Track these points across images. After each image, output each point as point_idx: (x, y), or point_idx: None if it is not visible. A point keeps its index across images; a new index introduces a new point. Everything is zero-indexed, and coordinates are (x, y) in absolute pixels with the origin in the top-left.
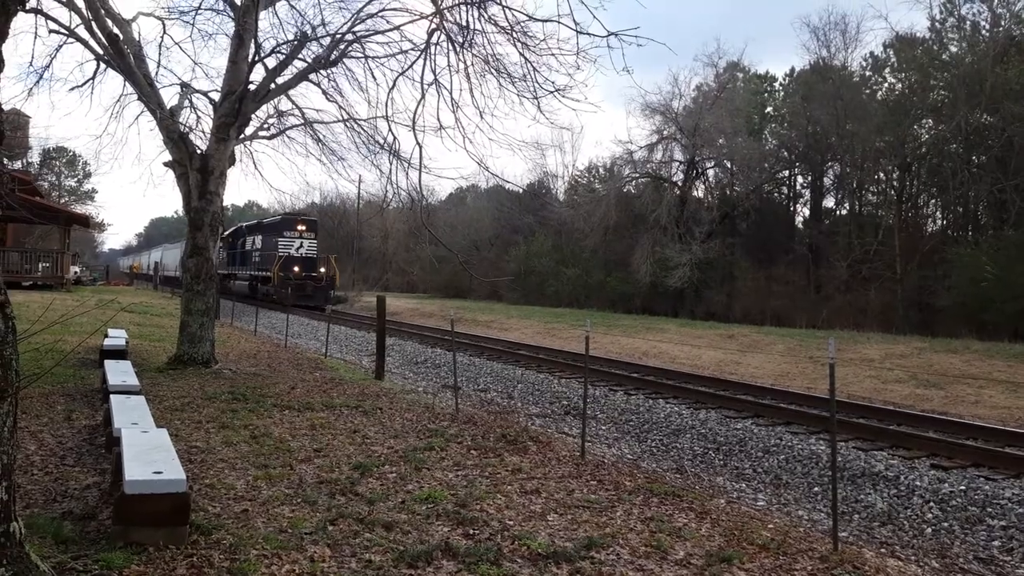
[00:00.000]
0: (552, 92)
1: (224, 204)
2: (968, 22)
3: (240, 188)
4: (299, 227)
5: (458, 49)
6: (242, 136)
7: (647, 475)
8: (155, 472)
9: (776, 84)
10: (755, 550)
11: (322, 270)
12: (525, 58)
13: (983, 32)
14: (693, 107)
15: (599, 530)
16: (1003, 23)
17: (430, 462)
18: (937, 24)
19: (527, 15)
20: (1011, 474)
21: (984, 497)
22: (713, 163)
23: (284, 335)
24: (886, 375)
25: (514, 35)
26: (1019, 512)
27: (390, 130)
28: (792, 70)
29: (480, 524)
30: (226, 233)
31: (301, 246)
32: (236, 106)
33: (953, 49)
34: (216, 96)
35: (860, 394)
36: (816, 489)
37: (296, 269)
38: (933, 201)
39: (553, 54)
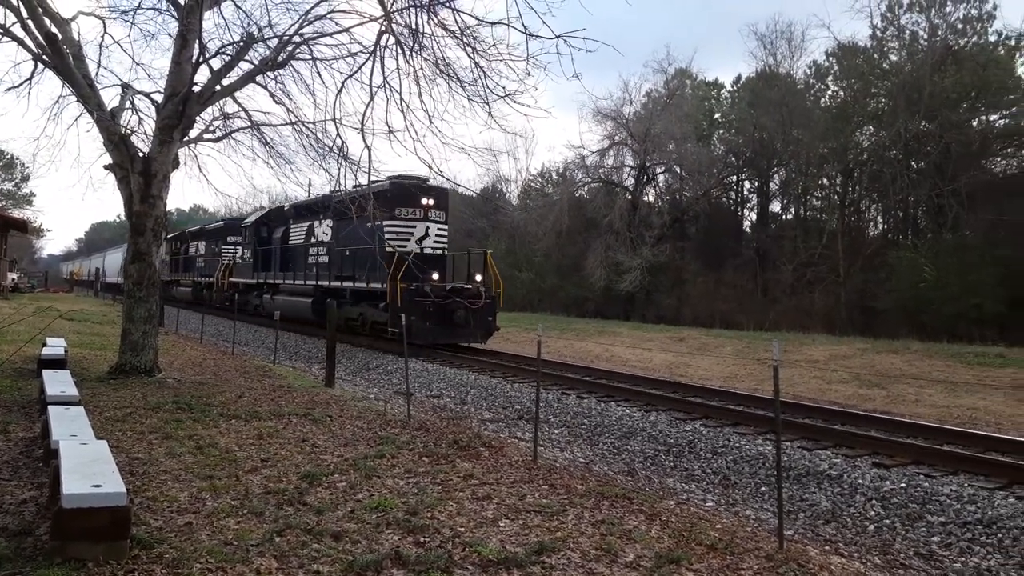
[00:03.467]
0: (502, 97)
1: (168, 208)
2: (907, 32)
3: (184, 191)
4: (424, 201)
5: (407, 53)
6: (186, 138)
7: (599, 478)
8: (94, 485)
9: (724, 91)
10: (703, 550)
11: (478, 279)
12: (475, 62)
13: (921, 42)
14: (643, 113)
15: (550, 534)
16: (940, 33)
17: (381, 470)
18: (878, 33)
19: (477, 19)
20: (949, 471)
21: (924, 494)
22: (663, 168)
23: (231, 343)
24: (830, 376)
25: (464, 39)
26: (957, 508)
27: (338, 133)
28: (739, 77)
29: (431, 532)
30: (250, 220)
31: (426, 235)
32: (180, 108)
33: (893, 58)
34: (159, 97)
35: (805, 394)
36: (763, 489)
37: (435, 278)
38: (874, 206)
39: (503, 59)
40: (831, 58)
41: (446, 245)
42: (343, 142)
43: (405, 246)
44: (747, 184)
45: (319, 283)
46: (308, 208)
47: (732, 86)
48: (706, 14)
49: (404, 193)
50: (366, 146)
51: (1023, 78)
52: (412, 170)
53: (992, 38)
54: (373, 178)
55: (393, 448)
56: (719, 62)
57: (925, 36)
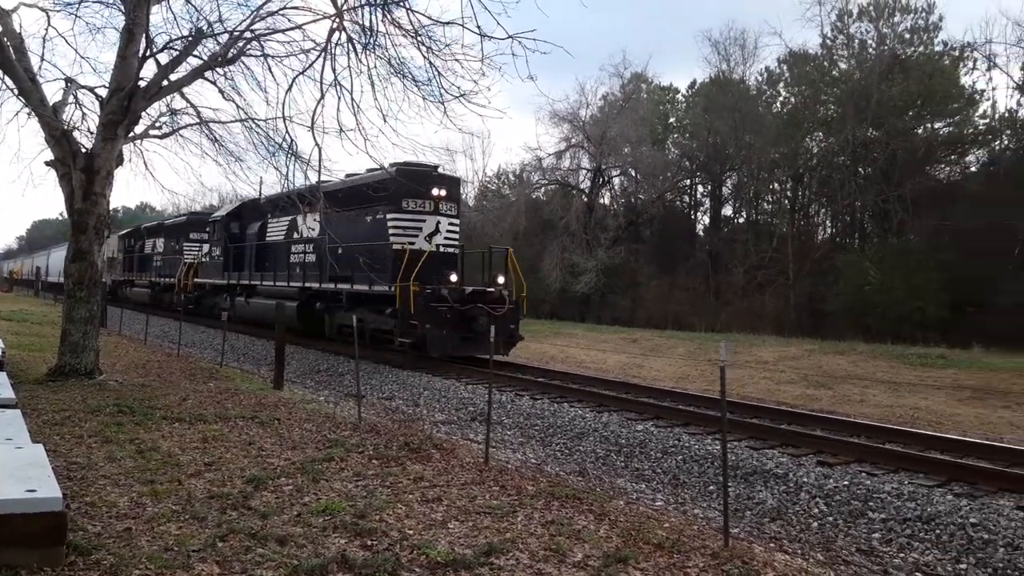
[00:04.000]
0: (457, 97)
1: (113, 206)
2: (856, 40)
3: (130, 189)
4: (435, 191)
5: (359, 51)
6: (131, 135)
7: (550, 479)
8: (28, 490)
9: (679, 96)
10: (651, 549)
11: (500, 280)
12: (430, 62)
13: (870, 50)
14: (600, 116)
15: (499, 535)
16: (888, 42)
17: (329, 473)
18: (828, 41)
19: (431, 19)
20: (890, 469)
21: (866, 491)
22: (619, 171)
23: (177, 344)
24: (779, 376)
25: (418, 39)
26: (897, 505)
27: (287, 131)
28: (694, 82)
29: (379, 535)
30: (220, 214)
31: (437, 230)
32: (125, 103)
33: (842, 66)
34: (103, 92)
35: (755, 395)
36: (711, 488)
37: (454, 280)
38: (823, 211)
39: (457, 59)
40: (782, 65)
41: (458, 242)
42: (292, 140)
43: (413, 243)
44: (700, 188)
45: (306, 285)
46: (290, 201)
47: (687, 91)
48: (661, 19)
49: (411, 182)
50: (316, 144)
51: (966, 87)
52: (400, 161)
53: (938, 48)
54: (354, 170)
55: (342, 451)
56: (674, 67)
57: (873, 45)
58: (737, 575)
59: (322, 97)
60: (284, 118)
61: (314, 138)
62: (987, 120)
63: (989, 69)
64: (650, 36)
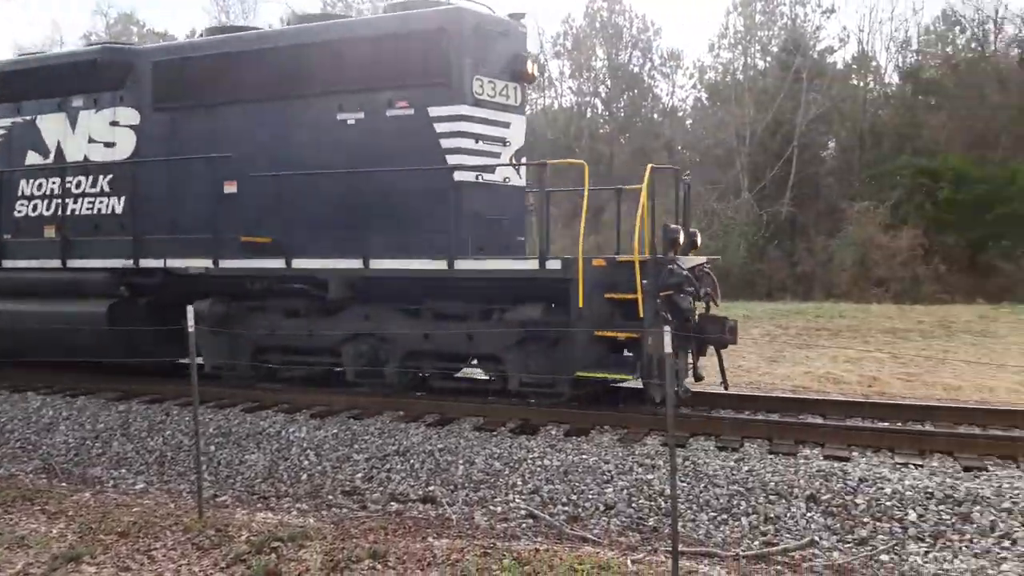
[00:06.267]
0: None
1: None
2: (354, 9)
3: None
4: (529, 67)
5: None
6: None
7: None
8: None
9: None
10: (113, 539)
11: (698, 240)
12: None
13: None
14: None
15: None
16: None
17: None
18: (328, 8)
19: None
20: (375, 412)
21: (352, 436)
22: None
23: None
24: None
25: None
26: (379, 443)
27: None
28: (193, 32)
29: None
30: None
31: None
32: None
33: None
34: None
35: None
36: (202, 459)
37: (682, 241)
38: None
39: None
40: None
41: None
42: None
43: (493, 170)
44: None
45: (169, 265)
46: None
47: (189, 38)
48: None
49: (488, 41)
50: None
51: None
52: None
53: None
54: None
55: None
56: (173, 13)
57: (370, 14)
58: (208, 545)
59: None
60: None
61: None
62: None
63: None
64: None
